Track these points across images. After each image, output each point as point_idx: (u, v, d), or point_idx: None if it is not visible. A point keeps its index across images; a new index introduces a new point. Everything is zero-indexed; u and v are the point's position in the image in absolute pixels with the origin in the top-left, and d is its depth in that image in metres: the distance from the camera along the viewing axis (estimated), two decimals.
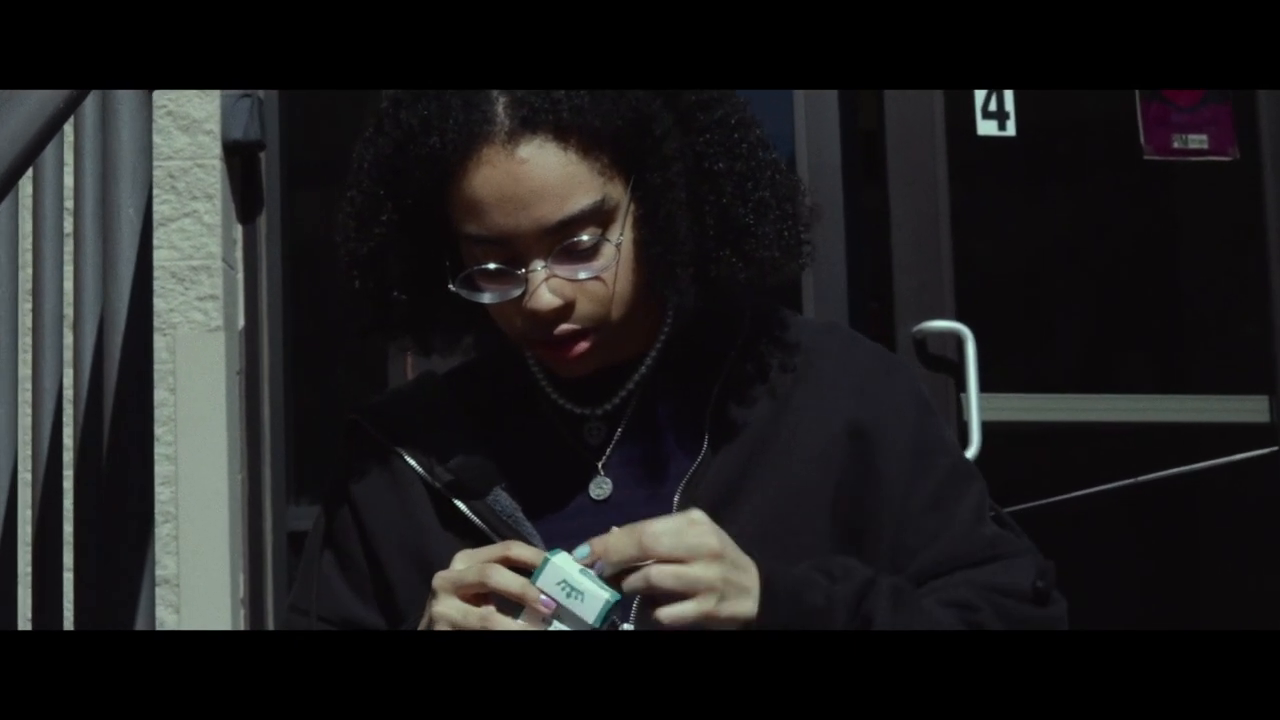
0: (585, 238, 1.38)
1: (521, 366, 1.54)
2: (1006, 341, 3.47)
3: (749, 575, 1.34)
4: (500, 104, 1.37)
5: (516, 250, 1.40)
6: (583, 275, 1.39)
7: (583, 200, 1.38)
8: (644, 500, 1.46)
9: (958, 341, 3.10)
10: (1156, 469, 3.27)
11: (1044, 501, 3.12)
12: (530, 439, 1.51)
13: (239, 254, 3.36)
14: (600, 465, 1.49)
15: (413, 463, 1.50)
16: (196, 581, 3.13)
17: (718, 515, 1.40)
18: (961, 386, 3.08)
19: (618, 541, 1.32)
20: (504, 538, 1.43)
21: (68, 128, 1.62)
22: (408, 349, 1.57)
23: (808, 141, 3.32)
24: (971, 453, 2.96)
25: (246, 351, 3.33)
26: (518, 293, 1.41)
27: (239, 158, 3.33)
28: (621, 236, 1.40)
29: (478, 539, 1.44)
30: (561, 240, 1.38)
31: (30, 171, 1.44)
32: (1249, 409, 3.33)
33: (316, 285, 3.66)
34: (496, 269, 1.41)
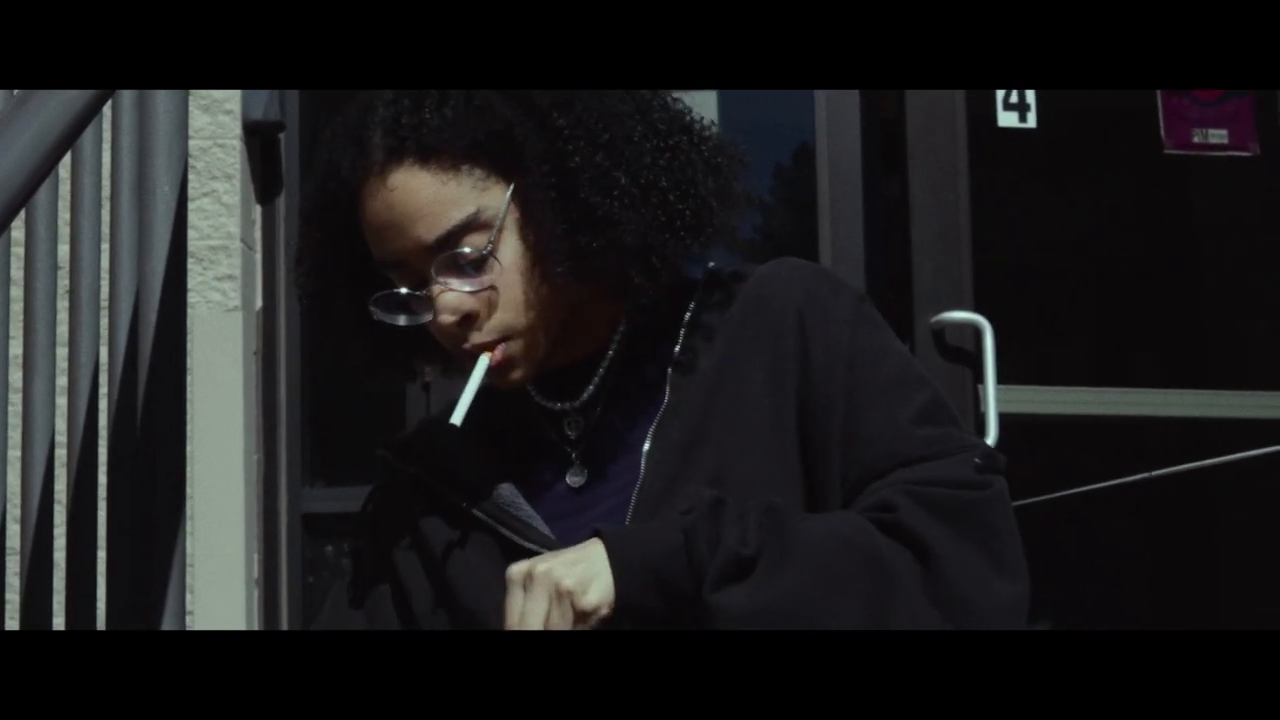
0: (467, 250, 1.42)
1: None
2: (1024, 333, 3.47)
3: (576, 552, 1.37)
4: (377, 137, 1.43)
5: (418, 273, 1.45)
6: (469, 288, 1.43)
7: (456, 215, 1.42)
8: (618, 473, 1.51)
9: (976, 333, 3.10)
10: (1172, 463, 3.27)
11: (1060, 494, 3.12)
12: (523, 440, 1.57)
13: (258, 234, 3.36)
14: (575, 456, 1.54)
15: (432, 483, 1.55)
16: (211, 562, 3.14)
17: (687, 455, 1.47)
18: (979, 378, 3.07)
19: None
20: (520, 535, 1.49)
21: (106, 108, 1.62)
22: (402, 378, 1.62)
23: (828, 131, 3.32)
24: (989, 444, 2.95)
25: (263, 332, 3.33)
26: (429, 315, 1.45)
27: (259, 138, 3.33)
28: (505, 244, 1.43)
29: (500, 543, 1.51)
30: (446, 256, 1.43)
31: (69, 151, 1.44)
32: (1265, 405, 3.33)
33: None
34: (407, 294, 1.46)
